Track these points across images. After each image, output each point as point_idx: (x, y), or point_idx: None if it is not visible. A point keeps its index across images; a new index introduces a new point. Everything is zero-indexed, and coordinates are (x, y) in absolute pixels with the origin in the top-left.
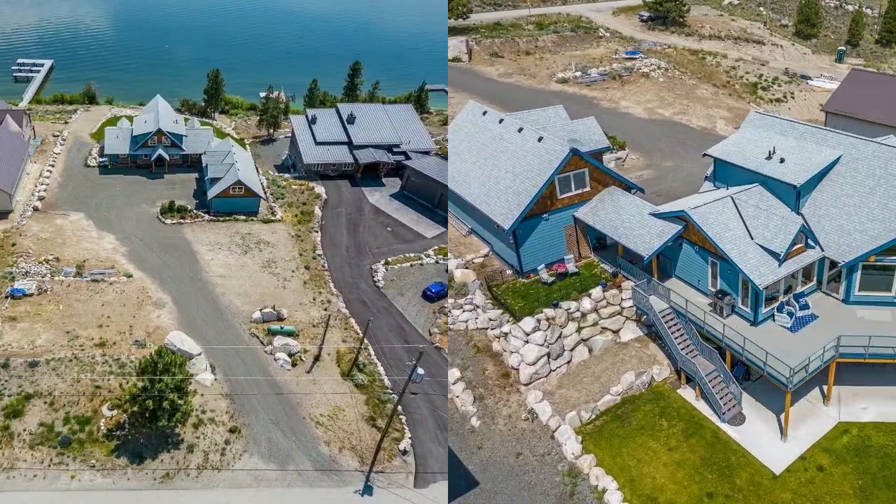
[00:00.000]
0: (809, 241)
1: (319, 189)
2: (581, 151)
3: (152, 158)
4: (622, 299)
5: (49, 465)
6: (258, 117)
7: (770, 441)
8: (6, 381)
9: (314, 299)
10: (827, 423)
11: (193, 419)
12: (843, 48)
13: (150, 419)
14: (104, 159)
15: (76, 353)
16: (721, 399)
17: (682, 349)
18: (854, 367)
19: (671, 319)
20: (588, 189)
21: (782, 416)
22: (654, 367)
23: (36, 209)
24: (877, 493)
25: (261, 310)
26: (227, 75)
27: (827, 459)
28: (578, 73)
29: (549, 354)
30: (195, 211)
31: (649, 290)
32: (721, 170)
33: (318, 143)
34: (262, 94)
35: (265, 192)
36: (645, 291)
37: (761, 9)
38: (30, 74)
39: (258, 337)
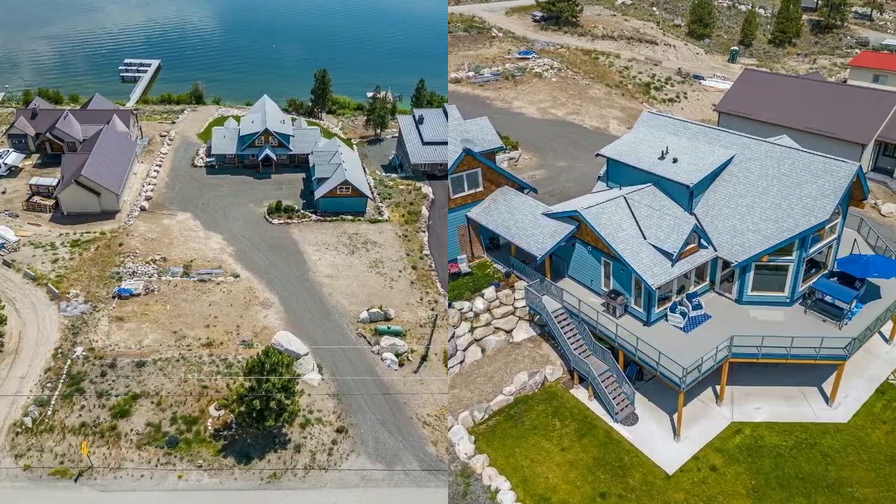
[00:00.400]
0: (702, 241)
1: (426, 189)
2: (474, 151)
3: (259, 158)
4: (515, 299)
5: (156, 465)
6: (365, 117)
7: (663, 441)
8: (113, 381)
9: (421, 299)
10: (720, 423)
11: (301, 419)
12: (735, 48)
13: (258, 419)
14: (211, 159)
15: (183, 353)
16: (614, 399)
17: (575, 349)
18: (747, 367)
19: (564, 319)
20: (481, 189)
21: (675, 416)
22: (547, 367)
23: (143, 209)
24: (769, 493)
25: (368, 310)
26: (335, 75)
27: (720, 459)
28: (471, 73)
29: None
30: (302, 211)
31: (542, 290)
32: (614, 170)
33: (425, 143)
34: (370, 94)
35: (372, 192)
36: (538, 291)
37: (654, 9)
38: (137, 74)
39: (365, 337)
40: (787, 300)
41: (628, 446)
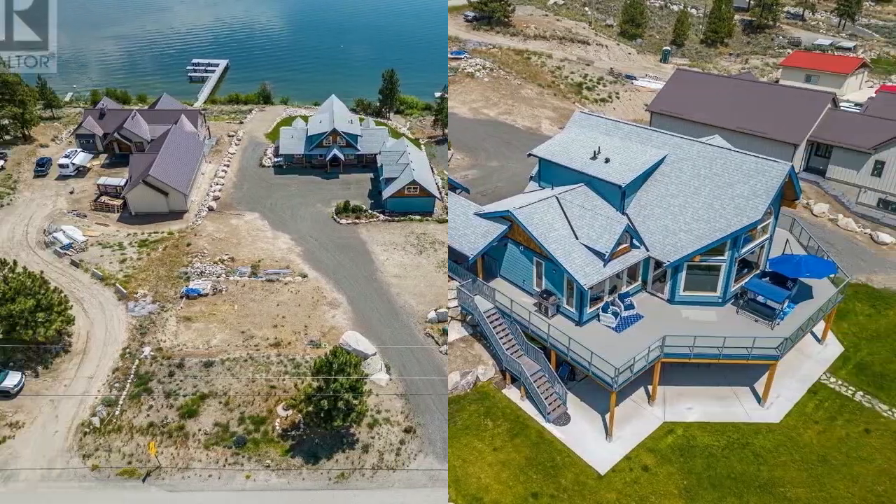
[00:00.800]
0: (634, 241)
1: None
2: None
3: (327, 158)
4: (448, 299)
5: (224, 465)
6: (433, 117)
7: (595, 441)
8: (181, 381)
9: None
10: (652, 423)
11: (368, 419)
12: (668, 48)
13: (325, 419)
14: (279, 159)
15: (251, 353)
16: (546, 399)
17: (507, 349)
18: (679, 367)
19: (496, 319)
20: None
21: (607, 416)
22: (479, 367)
23: (211, 209)
24: (702, 493)
25: (436, 310)
26: (402, 75)
27: (652, 459)
28: None
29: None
30: (370, 211)
31: (474, 290)
32: (546, 170)
33: None
34: (437, 94)
35: (440, 192)
36: (470, 291)
37: (586, 9)
38: (204, 75)
39: (433, 337)
40: (720, 300)
41: (560, 446)
